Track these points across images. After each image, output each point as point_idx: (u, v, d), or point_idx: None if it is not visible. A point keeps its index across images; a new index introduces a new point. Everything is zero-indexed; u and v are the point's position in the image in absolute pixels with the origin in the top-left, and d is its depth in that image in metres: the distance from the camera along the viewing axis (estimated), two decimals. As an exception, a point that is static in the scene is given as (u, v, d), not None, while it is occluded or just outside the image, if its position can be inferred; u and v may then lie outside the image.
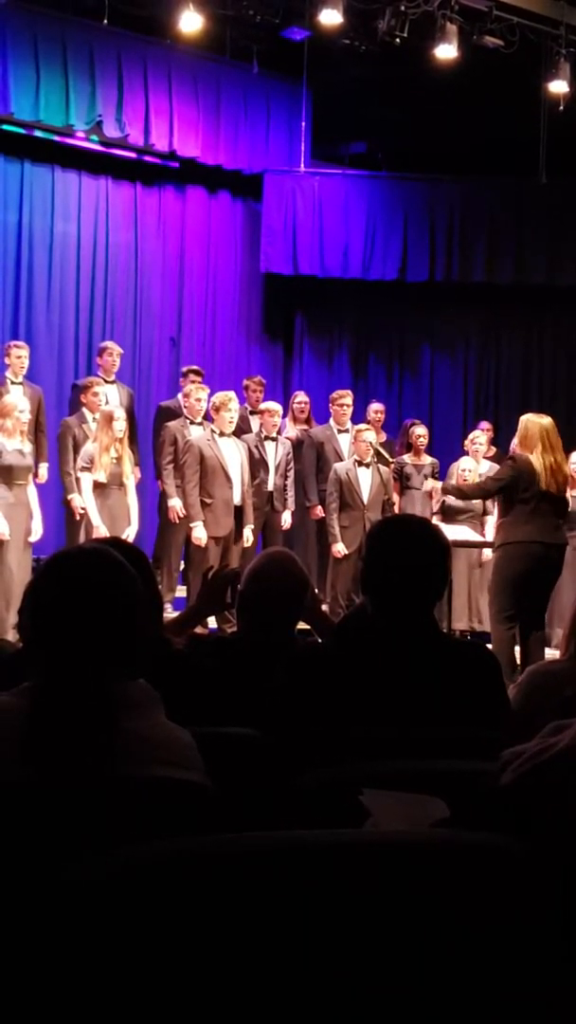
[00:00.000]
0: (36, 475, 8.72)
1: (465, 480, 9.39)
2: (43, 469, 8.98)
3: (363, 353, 13.17)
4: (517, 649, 7.00)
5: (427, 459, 10.21)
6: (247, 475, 8.94)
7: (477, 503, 9.39)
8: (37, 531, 8.27)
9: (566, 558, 8.75)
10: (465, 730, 2.65)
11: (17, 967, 1.72)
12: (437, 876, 1.67)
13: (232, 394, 9.04)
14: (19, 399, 8.38)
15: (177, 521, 9.17)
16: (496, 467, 8.63)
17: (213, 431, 8.82)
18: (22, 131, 10.90)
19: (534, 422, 6.98)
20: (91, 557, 2.13)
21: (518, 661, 6.82)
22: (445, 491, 8.03)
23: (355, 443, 9.56)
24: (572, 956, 1.75)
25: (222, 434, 8.81)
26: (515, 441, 7.27)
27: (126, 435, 8.58)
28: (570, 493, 9.20)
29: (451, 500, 9.48)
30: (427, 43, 10.31)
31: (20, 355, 9.15)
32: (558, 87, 10.82)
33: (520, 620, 6.96)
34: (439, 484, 8.46)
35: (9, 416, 8.09)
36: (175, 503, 9.13)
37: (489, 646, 5.35)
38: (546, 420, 6.99)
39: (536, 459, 6.81)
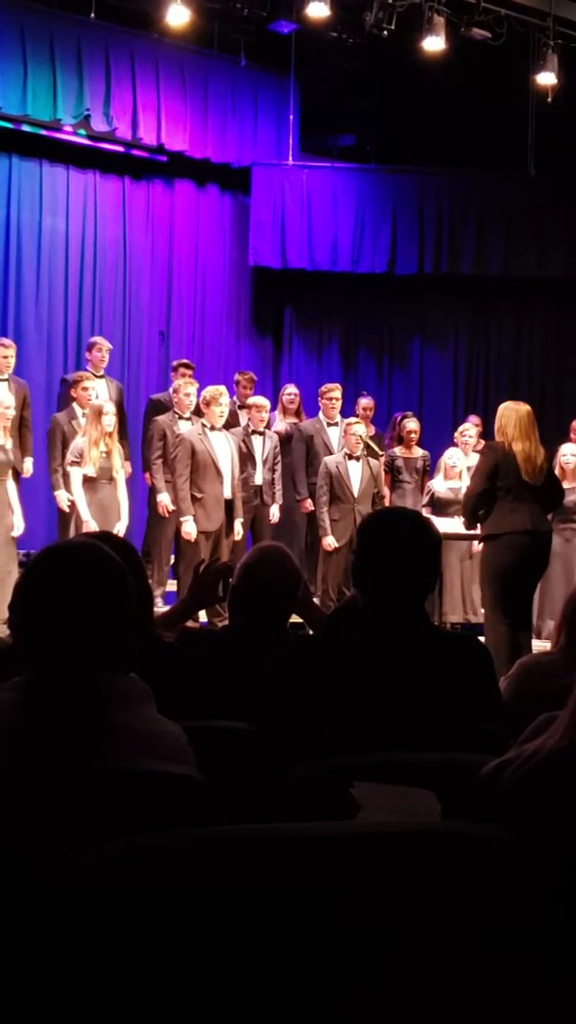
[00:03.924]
0: (21, 471, 8.73)
1: (454, 467, 9.47)
2: (28, 464, 8.96)
3: (352, 346, 13.16)
4: None
5: (418, 452, 10.21)
6: (237, 469, 8.92)
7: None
8: (19, 526, 8.27)
9: (556, 549, 8.75)
10: (456, 722, 2.64)
11: (13, 959, 1.72)
12: (427, 866, 1.67)
13: (223, 388, 9.02)
14: (3, 395, 8.39)
15: (166, 515, 9.16)
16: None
17: (204, 425, 8.79)
18: (9, 125, 10.86)
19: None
20: (80, 551, 2.13)
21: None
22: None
23: (345, 436, 9.53)
24: (559, 946, 1.76)
25: (212, 428, 8.79)
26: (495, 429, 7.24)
27: (115, 429, 8.58)
28: (565, 484, 9.23)
29: (439, 493, 9.53)
30: (415, 35, 10.29)
31: (6, 355, 9.11)
32: (546, 79, 10.79)
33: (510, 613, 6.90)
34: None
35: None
36: (164, 497, 9.11)
37: (482, 638, 5.35)
38: (523, 408, 6.91)
39: (516, 447, 6.77)
